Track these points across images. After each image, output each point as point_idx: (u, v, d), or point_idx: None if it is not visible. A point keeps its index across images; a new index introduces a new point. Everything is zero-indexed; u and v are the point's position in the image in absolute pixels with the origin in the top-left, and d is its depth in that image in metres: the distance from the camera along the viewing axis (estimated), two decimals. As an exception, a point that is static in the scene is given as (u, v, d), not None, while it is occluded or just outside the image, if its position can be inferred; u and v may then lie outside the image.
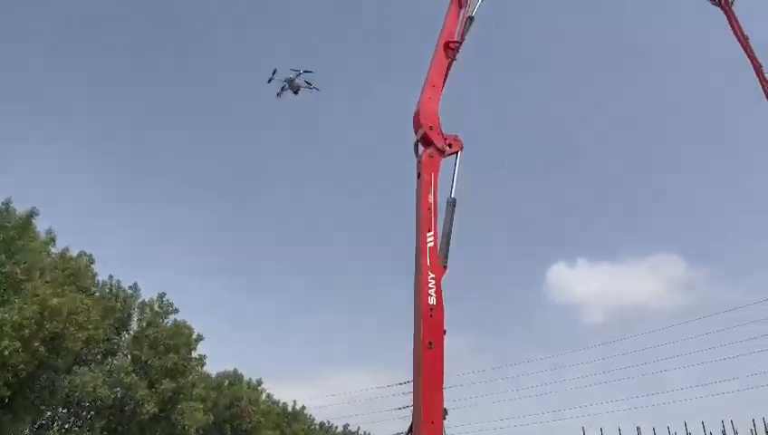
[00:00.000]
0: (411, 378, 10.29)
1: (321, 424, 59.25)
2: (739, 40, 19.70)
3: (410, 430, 9.63)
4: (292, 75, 16.73)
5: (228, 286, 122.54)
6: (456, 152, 10.93)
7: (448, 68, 11.89)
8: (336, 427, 61.25)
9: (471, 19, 12.57)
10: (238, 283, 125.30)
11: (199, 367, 38.03)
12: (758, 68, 19.51)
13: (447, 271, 9.98)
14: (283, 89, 16.83)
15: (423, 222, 10.08)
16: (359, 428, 63.16)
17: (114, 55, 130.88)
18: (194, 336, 37.31)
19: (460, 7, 12.51)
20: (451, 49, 11.95)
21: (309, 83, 16.98)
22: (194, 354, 37.34)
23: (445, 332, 9.67)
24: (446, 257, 10.03)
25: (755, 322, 41.35)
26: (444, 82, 11.69)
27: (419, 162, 10.62)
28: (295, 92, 16.79)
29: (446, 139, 10.89)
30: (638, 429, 43.60)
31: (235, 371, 48.10)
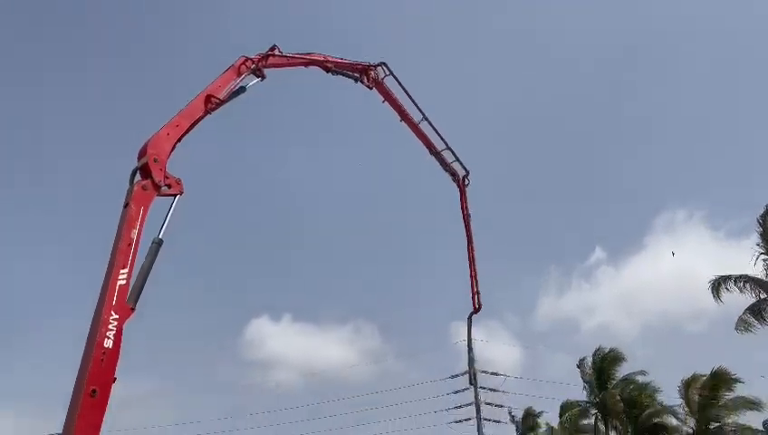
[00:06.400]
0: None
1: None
2: (463, 214, 22.85)
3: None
4: None
5: None
6: (175, 195, 10.50)
7: (200, 119, 11.69)
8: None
9: (243, 89, 12.69)
10: None
11: None
12: (470, 240, 22.89)
13: (134, 314, 9.24)
14: None
15: (120, 257, 9.28)
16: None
17: None
18: None
19: (237, 76, 12.59)
20: (210, 103, 11.79)
21: None
22: None
23: (115, 379, 8.83)
24: (137, 300, 9.30)
25: (432, 398, 45.66)
26: (189, 130, 11.38)
27: (130, 191, 9.90)
28: None
29: (167, 177, 10.40)
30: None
31: None
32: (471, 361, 24.66)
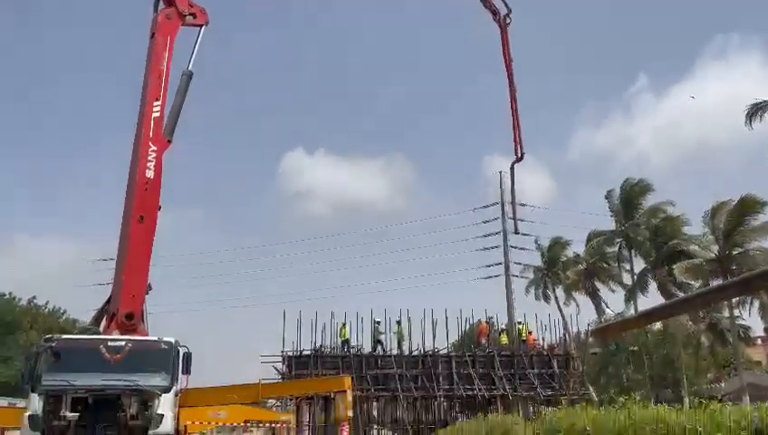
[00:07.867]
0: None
1: (2, 295, 53.20)
2: (505, 60, 21.14)
3: (108, 302, 9.26)
4: None
5: None
6: (201, 26, 10.24)
7: None
8: (19, 299, 55.37)
9: None
10: None
11: None
12: (513, 92, 21.26)
13: (172, 145, 9.51)
14: None
15: (152, 89, 9.32)
16: (47, 301, 58.08)
17: None
18: None
19: None
20: None
21: None
22: None
23: (159, 207, 9.32)
24: (173, 131, 9.50)
25: (458, 228, 47.38)
26: None
27: (155, 20, 9.66)
28: None
29: (191, 6, 10.09)
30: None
31: None
32: (515, 210, 24.69)
